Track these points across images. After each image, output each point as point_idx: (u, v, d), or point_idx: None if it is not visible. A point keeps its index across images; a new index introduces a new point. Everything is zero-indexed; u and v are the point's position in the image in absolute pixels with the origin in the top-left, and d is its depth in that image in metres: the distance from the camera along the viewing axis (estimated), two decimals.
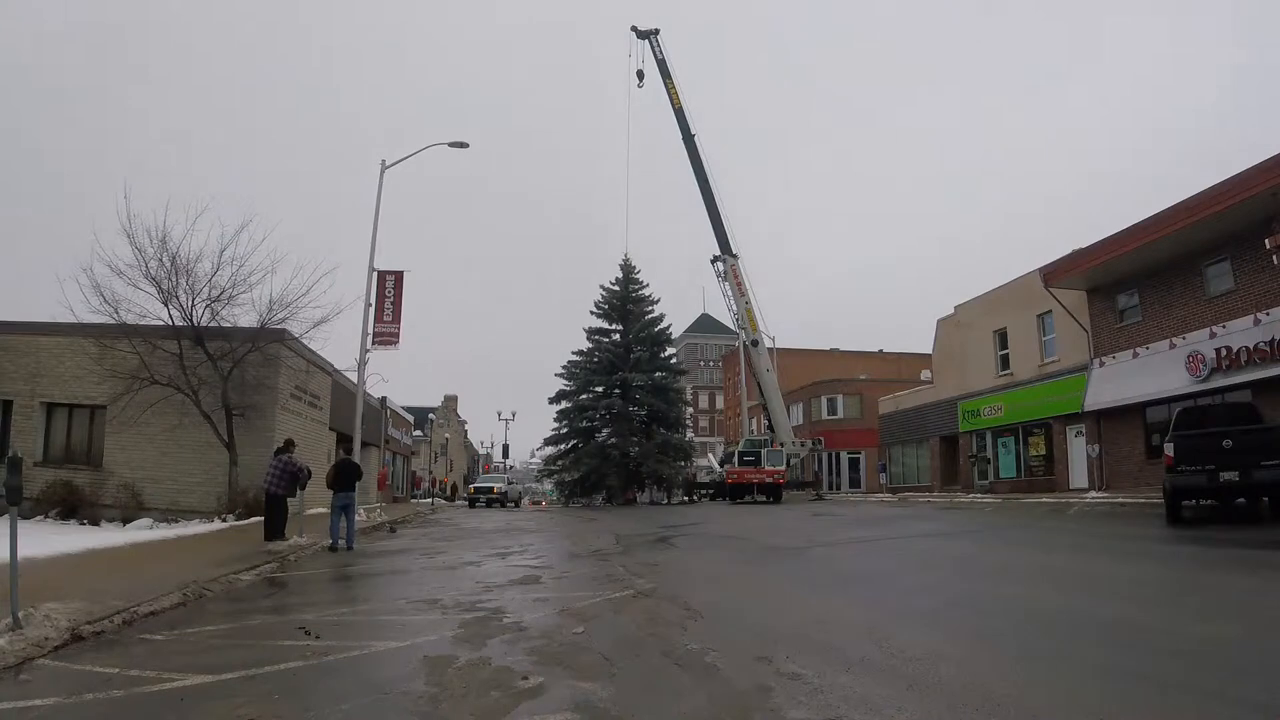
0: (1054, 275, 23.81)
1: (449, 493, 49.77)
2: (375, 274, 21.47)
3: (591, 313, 43.35)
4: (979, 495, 26.63)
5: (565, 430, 41.85)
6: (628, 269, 43.52)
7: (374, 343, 21.26)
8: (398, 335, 21.56)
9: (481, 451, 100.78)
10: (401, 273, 21.98)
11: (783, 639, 5.18)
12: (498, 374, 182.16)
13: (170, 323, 18.79)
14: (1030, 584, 7.47)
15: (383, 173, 22.18)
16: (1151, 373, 20.54)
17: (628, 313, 42.81)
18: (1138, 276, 21.37)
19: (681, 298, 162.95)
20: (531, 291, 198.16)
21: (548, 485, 49.91)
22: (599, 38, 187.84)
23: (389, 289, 21.55)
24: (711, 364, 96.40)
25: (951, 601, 6.62)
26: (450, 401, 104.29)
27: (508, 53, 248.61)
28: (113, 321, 18.34)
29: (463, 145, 22.72)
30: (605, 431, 41.10)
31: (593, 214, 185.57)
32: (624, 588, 7.84)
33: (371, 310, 21.19)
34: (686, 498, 40.15)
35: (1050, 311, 25.50)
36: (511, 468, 71.58)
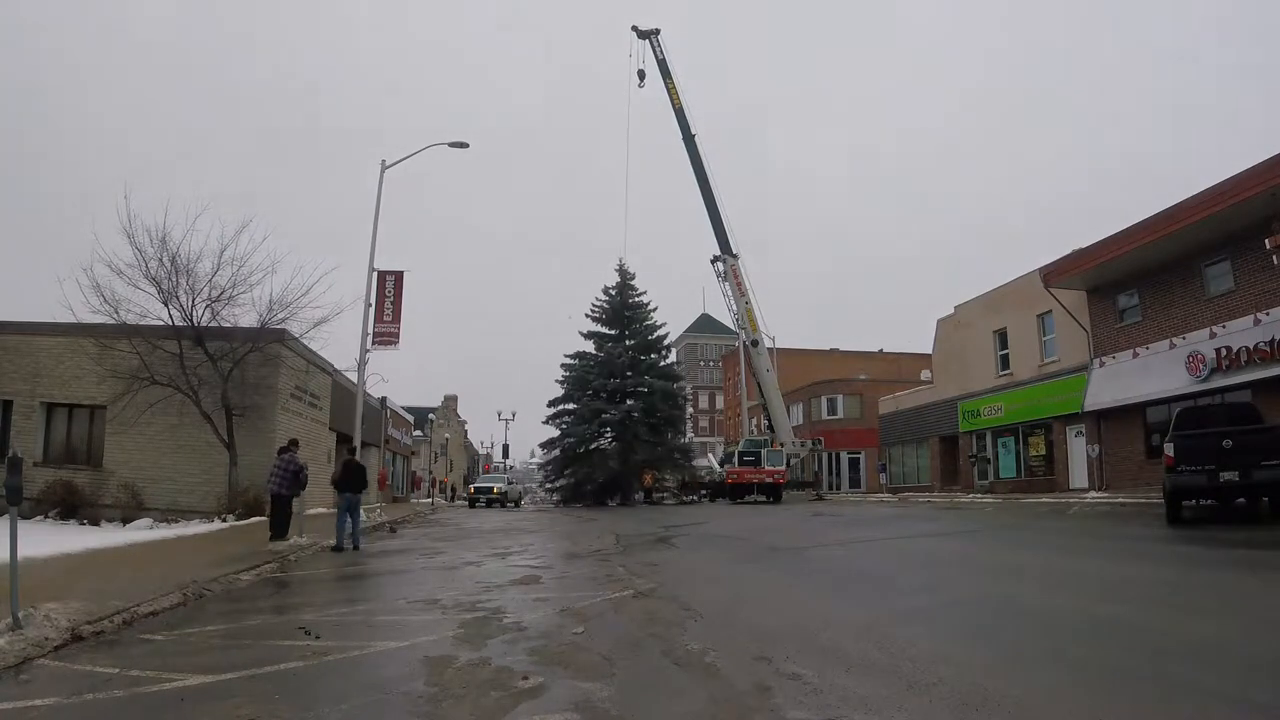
0: (1054, 275, 23.83)
1: (449, 494, 49.48)
2: (375, 274, 21.47)
3: (588, 316, 43.31)
4: (979, 495, 26.65)
5: (565, 432, 41.82)
6: (625, 274, 43.49)
7: (374, 343, 21.28)
8: (398, 335, 21.57)
9: (482, 452, 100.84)
10: (401, 273, 22.01)
11: (783, 639, 5.18)
12: (498, 374, 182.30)
13: (170, 323, 18.81)
14: (1030, 584, 7.47)
15: (383, 173, 22.18)
16: (1151, 373, 20.55)
17: (625, 318, 42.77)
18: (1138, 276, 21.39)
19: (681, 297, 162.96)
20: (532, 290, 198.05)
21: (548, 486, 49.91)
22: (602, 37, 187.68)
23: (389, 289, 21.56)
24: (711, 364, 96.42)
25: (951, 601, 6.62)
26: (450, 401, 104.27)
27: (509, 52, 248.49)
28: (113, 321, 18.36)
29: (463, 145, 22.73)
30: (604, 434, 41.00)
31: (595, 211, 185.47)
32: (624, 588, 7.85)
33: (371, 310, 21.19)
34: (686, 499, 40.16)
35: (1050, 311, 25.53)
36: (511, 468, 71.53)
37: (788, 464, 36.93)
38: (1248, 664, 4.15)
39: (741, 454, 37.12)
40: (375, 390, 29.33)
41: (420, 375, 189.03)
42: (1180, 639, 4.82)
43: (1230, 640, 4.75)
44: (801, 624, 5.77)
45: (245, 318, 19.43)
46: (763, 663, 4.52)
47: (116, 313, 18.24)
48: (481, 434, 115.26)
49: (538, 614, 6.54)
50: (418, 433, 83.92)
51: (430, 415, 77.71)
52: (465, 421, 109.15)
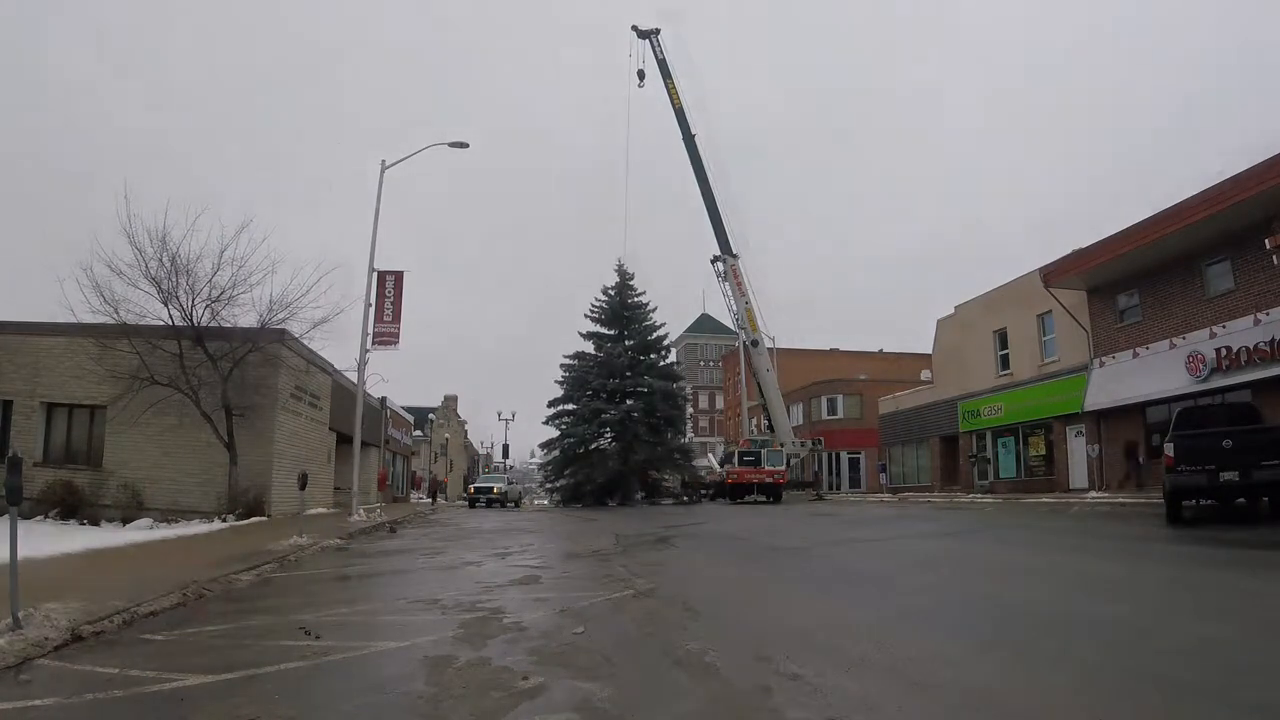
0: (1054, 275, 23.85)
1: (430, 493, 48.56)
2: (375, 274, 21.45)
3: (587, 316, 43.17)
4: (979, 495, 26.66)
5: (564, 433, 41.79)
6: (624, 275, 43.39)
7: (374, 343, 21.25)
8: (398, 335, 21.56)
9: (482, 452, 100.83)
10: (401, 273, 22.00)
11: (782, 639, 5.18)
12: (499, 373, 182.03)
13: (170, 323, 18.81)
14: (1029, 584, 7.48)
15: (383, 172, 22.19)
16: (1151, 373, 20.55)
17: (625, 318, 42.72)
18: (1138, 276, 21.40)
19: (681, 298, 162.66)
20: (533, 290, 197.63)
21: (547, 486, 49.91)
22: (604, 34, 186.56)
23: (389, 289, 21.54)
24: (711, 364, 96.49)
25: (950, 602, 6.62)
26: (450, 401, 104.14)
27: (511, 51, 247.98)
28: (113, 321, 18.34)
29: (463, 145, 22.72)
30: (604, 434, 40.87)
31: (597, 208, 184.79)
32: (624, 587, 7.84)
33: (372, 310, 21.19)
34: (685, 499, 40.18)
35: (1050, 311, 25.55)
36: (511, 468, 71.46)
37: (787, 464, 36.94)
38: (1248, 664, 4.16)
39: (741, 454, 37.13)
40: (375, 390, 29.37)
41: (420, 375, 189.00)
42: (1180, 639, 4.83)
43: (1230, 641, 4.75)
44: (801, 624, 5.77)
45: (245, 318, 19.46)
46: (763, 663, 4.52)
47: (116, 313, 18.23)
48: (482, 434, 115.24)
49: (538, 614, 6.54)
50: (418, 433, 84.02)
51: (430, 415, 77.78)
52: (465, 422, 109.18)
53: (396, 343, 21.56)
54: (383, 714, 3.94)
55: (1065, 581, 7.52)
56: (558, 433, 42.07)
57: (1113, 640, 4.85)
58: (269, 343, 19.87)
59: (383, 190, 22.09)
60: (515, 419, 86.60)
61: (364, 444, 32.41)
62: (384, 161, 22.27)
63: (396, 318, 21.50)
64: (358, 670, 4.85)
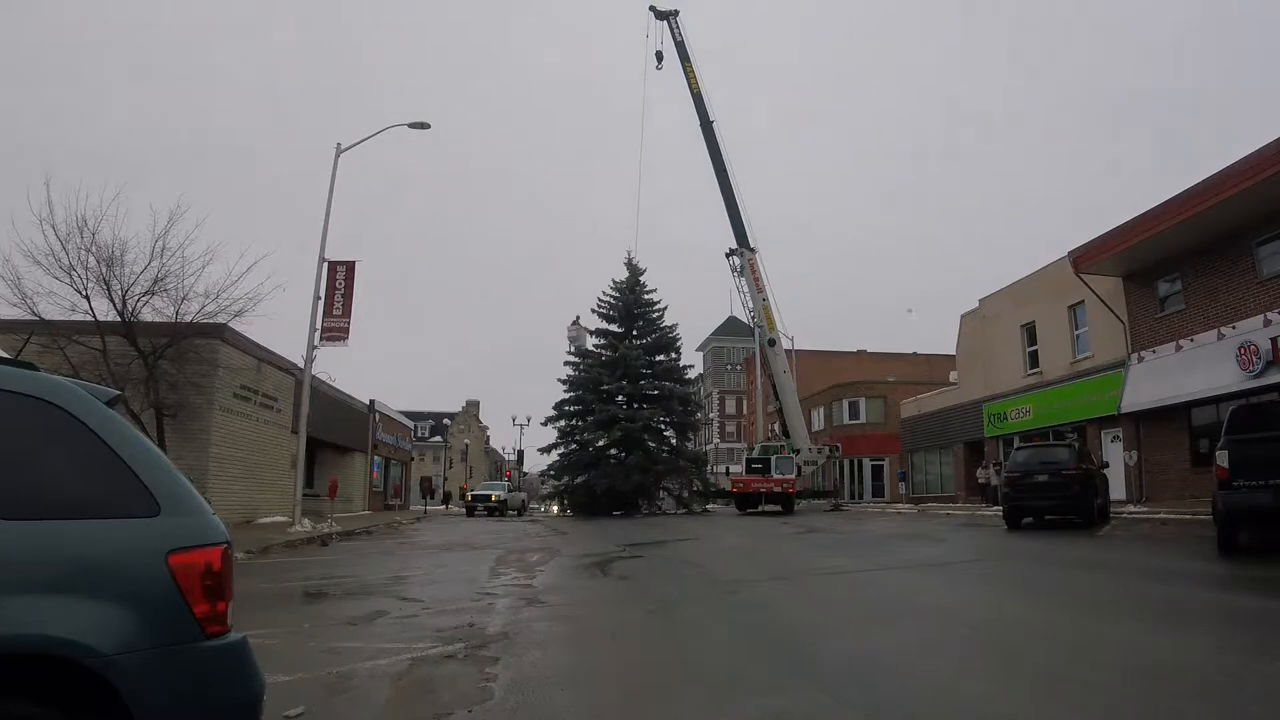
0: (1085, 259, 21.18)
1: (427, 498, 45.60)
2: (325, 264, 19.70)
3: (594, 311, 41.21)
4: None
5: (565, 436, 39.81)
6: (634, 269, 41.27)
7: (322, 338, 19.48)
8: (348, 330, 19.80)
9: (509, 457, 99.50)
10: (353, 263, 20.26)
11: None
12: (523, 376, 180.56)
13: (94, 317, 17.23)
14: (1004, 669, 5.19)
15: (338, 156, 20.65)
16: (1197, 368, 18.14)
17: (633, 315, 40.68)
18: (1180, 258, 18.98)
19: (704, 302, 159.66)
20: (551, 290, 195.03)
21: (543, 495, 48.04)
22: (613, 21, 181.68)
23: (339, 280, 19.78)
24: (738, 368, 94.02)
25: (879, 700, 4.38)
26: (471, 407, 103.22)
27: (517, 35, 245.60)
28: (31, 317, 16.82)
29: (423, 126, 21.07)
30: (614, 439, 38.57)
31: (615, 206, 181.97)
32: (466, 639, 5.71)
33: (321, 303, 19.43)
34: (698, 508, 37.97)
35: (1082, 302, 22.98)
36: (525, 475, 69.82)
37: (798, 472, 34.44)
38: None
39: (750, 461, 34.78)
40: (352, 390, 27.75)
41: (443, 378, 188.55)
42: None
43: None
44: None
45: (172, 310, 17.79)
46: None
47: (35, 308, 16.73)
48: (506, 439, 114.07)
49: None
50: (436, 438, 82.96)
51: (446, 420, 76.67)
52: (486, 427, 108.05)
53: (346, 338, 19.80)
54: None
55: (1062, 665, 5.22)
56: (560, 435, 40.12)
57: None
58: (202, 338, 18.14)
59: (337, 174, 20.39)
60: (530, 423, 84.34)
61: (344, 449, 30.88)
62: (339, 144, 20.70)
63: (347, 311, 19.74)
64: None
